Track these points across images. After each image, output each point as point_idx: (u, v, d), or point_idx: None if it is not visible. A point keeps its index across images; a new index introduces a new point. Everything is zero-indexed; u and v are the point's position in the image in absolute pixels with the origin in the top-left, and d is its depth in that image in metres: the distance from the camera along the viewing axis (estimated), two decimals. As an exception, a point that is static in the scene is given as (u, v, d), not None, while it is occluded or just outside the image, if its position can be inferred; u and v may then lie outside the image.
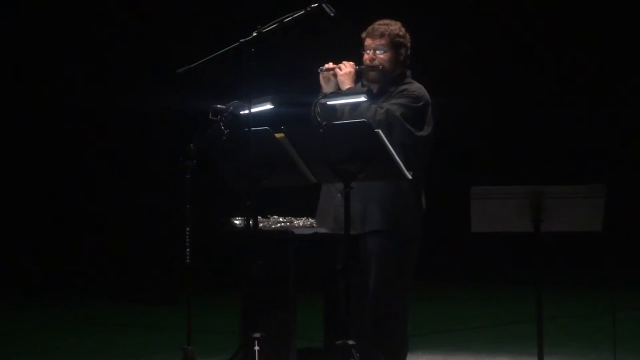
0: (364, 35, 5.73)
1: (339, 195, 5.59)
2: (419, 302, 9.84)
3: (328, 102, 5.57)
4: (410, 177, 5.19)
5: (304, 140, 5.27)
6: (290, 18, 5.37)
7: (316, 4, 5.41)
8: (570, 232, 5.18)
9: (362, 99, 5.47)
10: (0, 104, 11.56)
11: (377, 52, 5.65)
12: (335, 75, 5.61)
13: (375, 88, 5.68)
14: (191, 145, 5.71)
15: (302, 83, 5.77)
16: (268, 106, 5.53)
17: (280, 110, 5.54)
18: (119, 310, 10.20)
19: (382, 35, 5.65)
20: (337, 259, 5.68)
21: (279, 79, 7.40)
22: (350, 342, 5.06)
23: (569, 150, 12.57)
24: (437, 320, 9.37)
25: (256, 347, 5.16)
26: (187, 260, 5.77)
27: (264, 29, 5.27)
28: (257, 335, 5.19)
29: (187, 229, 5.75)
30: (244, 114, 5.32)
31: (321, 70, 5.65)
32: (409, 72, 5.75)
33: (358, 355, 5.05)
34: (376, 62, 5.65)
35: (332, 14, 5.41)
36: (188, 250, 5.76)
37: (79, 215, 11.78)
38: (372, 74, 5.66)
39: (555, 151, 12.62)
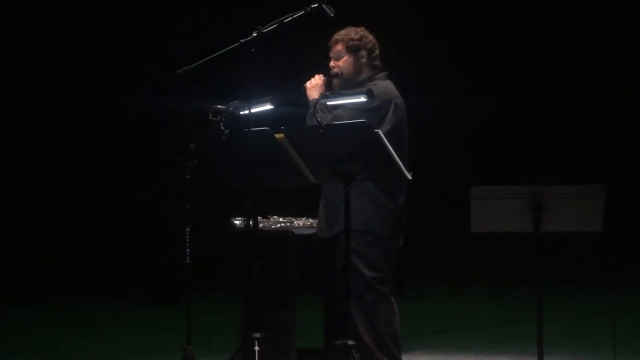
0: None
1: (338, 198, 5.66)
2: (419, 302, 9.90)
3: (328, 103, 5.59)
4: (410, 177, 5.21)
5: (303, 140, 5.28)
6: (290, 18, 5.38)
7: (316, 4, 5.41)
8: (570, 232, 5.18)
9: (362, 99, 5.48)
10: (0, 105, 11.57)
11: (337, 59, 5.78)
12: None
13: None
14: (191, 145, 5.72)
15: (302, 83, 5.77)
16: (268, 106, 5.54)
17: (280, 111, 5.55)
18: (119, 310, 10.20)
19: (337, 42, 5.80)
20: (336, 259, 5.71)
21: (279, 79, 7.39)
22: (350, 342, 5.07)
23: (569, 150, 12.57)
24: (437, 320, 9.37)
25: (256, 347, 5.16)
26: (187, 260, 5.77)
27: (264, 29, 5.28)
28: (257, 335, 5.19)
29: (187, 229, 5.75)
30: (244, 114, 5.33)
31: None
32: (381, 74, 5.80)
33: (358, 355, 5.06)
34: (335, 70, 5.77)
35: (332, 14, 5.42)
36: (188, 250, 5.77)
37: (79, 215, 11.78)
38: (335, 81, 5.77)
39: (555, 151, 12.62)
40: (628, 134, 12.54)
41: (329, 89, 5.73)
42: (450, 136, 12.45)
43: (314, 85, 5.71)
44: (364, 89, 5.56)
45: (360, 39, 5.78)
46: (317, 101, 5.54)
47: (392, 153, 5.09)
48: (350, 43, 5.76)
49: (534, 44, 12.70)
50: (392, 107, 5.65)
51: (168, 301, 10.20)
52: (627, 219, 11.19)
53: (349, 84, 5.73)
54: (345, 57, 5.77)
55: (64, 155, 11.74)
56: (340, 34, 5.80)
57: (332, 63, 5.81)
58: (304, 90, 5.74)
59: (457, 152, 12.71)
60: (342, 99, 5.57)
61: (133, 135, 11.58)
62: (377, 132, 5.08)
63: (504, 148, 12.81)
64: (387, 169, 5.15)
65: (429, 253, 11.39)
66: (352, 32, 5.79)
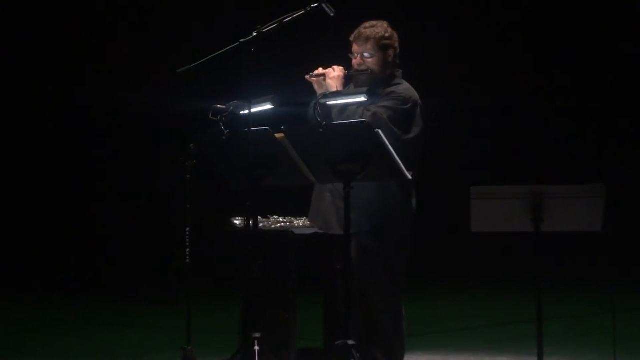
0: (351, 39, 5.73)
1: (328, 194, 5.61)
2: (418, 302, 9.88)
3: (328, 102, 5.58)
4: (410, 177, 5.20)
5: (304, 140, 5.28)
6: (290, 18, 5.38)
7: (316, 4, 5.41)
8: (570, 232, 5.18)
9: (362, 98, 5.48)
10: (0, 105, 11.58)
11: (365, 56, 5.66)
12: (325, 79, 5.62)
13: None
14: (191, 145, 5.73)
15: (302, 83, 5.77)
16: (268, 106, 5.54)
17: (280, 110, 5.55)
18: (119, 310, 10.20)
19: (367, 40, 5.65)
20: (336, 258, 5.70)
21: (279, 79, 7.40)
22: (350, 342, 5.07)
23: (569, 150, 12.57)
24: (437, 320, 9.37)
25: (256, 347, 5.17)
26: (187, 260, 5.78)
27: (264, 29, 5.28)
28: (257, 335, 5.20)
29: (187, 229, 5.75)
30: (244, 114, 5.33)
31: (311, 76, 5.66)
32: (399, 72, 5.75)
33: (358, 355, 5.06)
34: (364, 67, 5.66)
35: (332, 14, 5.42)
36: (188, 250, 5.77)
37: (79, 215, 11.78)
38: (362, 78, 5.66)
39: (555, 151, 12.61)
40: (628, 134, 12.53)
41: (348, 83, 5.69)
42: (450, 136, 12.43)
43: (336, 77, 5.58)
44: (365, 89, 5.55)
45: (390, 38, 5.67)
46: (317, 100, 5.53)
47: (392, 153, 5.09)
48: (382, 42, 5.64)
49: (535, 44, 12.69)
50: (419, 109, 5.62)
51: (168, 301, 10.19)
52: (627, 219, 11.19)
53: (373, 82, 5.62)
54: (375, 55, 5.64)
55: (63, 156, 11.74)
56: (368, 30, 5.65)
57: (359, 60, 5.66)
58: (321, 80, 5.61)
59: (457, 152, 12.70)
60: (342, 99, 5.57)
61: (133, 135, 11.57)
62: (377, 131, 5.08)
63: (504, 148, 12.80)
64: (387, 169, 5.15)
65: (429, 253, 11.39)
66: (381, 29, 5.66)
